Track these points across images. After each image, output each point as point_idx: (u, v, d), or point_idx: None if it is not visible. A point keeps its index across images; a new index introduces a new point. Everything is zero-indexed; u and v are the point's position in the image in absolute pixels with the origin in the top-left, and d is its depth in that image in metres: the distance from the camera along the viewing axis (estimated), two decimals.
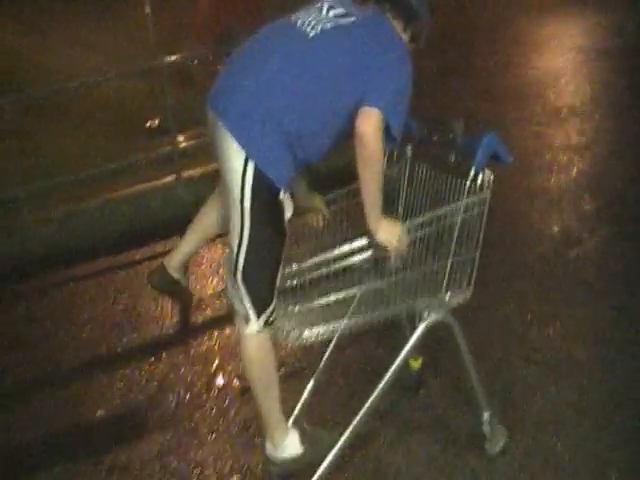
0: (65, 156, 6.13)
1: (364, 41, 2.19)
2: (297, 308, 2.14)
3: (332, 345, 2.52)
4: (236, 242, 2.16)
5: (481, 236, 2.20)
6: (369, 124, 2.07)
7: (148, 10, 13.41)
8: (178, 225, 4.07)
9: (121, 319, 4.01)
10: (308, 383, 2.68)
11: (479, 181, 2.13)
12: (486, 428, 2.45)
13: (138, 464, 2.77)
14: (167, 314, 3.98)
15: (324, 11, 2.24)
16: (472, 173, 2.13)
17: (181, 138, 5.69)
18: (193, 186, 5.06)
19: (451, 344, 2.37)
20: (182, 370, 3.38)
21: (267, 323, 2.21)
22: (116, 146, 5.98)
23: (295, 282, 2.10)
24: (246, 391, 2.93)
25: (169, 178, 5.31)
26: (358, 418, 2.23)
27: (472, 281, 2.24)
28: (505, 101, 7.31)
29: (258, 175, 2.08)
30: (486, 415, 2.43)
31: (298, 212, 2.52)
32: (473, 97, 7.59)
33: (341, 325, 2.15)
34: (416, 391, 2.85)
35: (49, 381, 3.50)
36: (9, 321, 4.20)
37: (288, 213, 2.17)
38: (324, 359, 2.59)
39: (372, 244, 2.16)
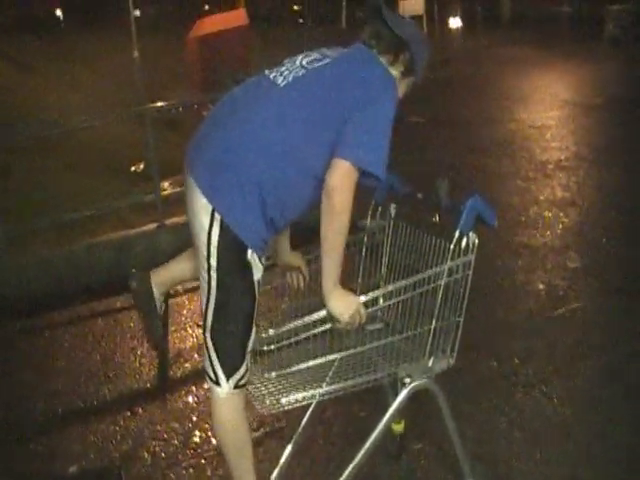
0: (49, 197, 6.12)
1: (335, 79, 2.09)
2: (273, 374, 2.06)
3: (312, 406, 2.43)
4: (204, 301, 2.08)
5: (465, 300, 2.15)
6: (335, 175, 1.97)
7: (136, 54, 13.59)
8: None
9: (98, 369, 3.92)
10: (287, 444, 2.58)
11: (463, 244, 2.09)
12: None
13: None
14: (145, 366, 3.89)
15: (298, 60, 2.18)
16: (457, 236, 2.09)
17: (165, 185, 5.70)
18: (176, 233, 5.03)
19: (434, 407, 2.29)
20: (158, 426, 3.28)
21: (237, 386, 2.11)
22: (100, 189, 5.99)
23: (272, 347, 2.02)
24: None
25: (152, 225, 5.29)
26: None
27: (456, 347, 2.19)
28: (491, 155, 7.41)
29: (224, 232, 2.00)
30: None
31: (277, 271, 2.48)
32: (459, 151, 7.67)
33: (320, 391, 2.08)
34: (398, 457, 2.76)
35: (22, 432, 3.38)
36: None
37: (258, 274, 2.06)
38: (304, 420, 2.50)
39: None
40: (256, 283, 2.07)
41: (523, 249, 4.94)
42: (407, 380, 2.14)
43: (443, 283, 2.10)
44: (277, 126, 2.03)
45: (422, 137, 8.42)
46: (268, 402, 2.04)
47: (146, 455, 3.08)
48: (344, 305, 2.03)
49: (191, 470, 2.92)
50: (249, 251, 2.02)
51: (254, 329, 2.09)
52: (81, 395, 3.66)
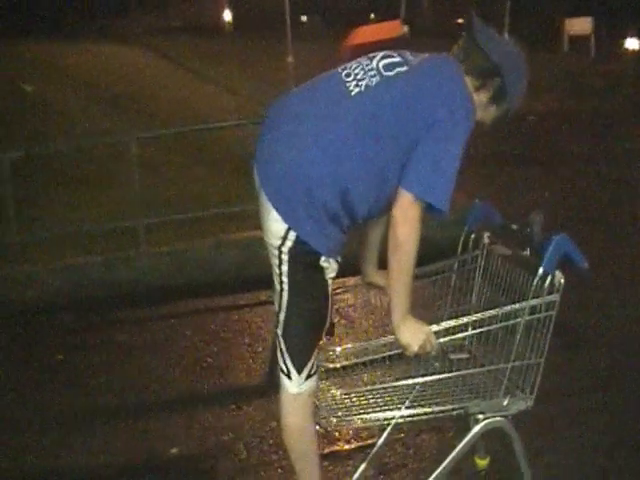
0: (186, 193, 6.52)
1: (412, 92, 2.00)
2: (338, 392, 2.10)
3: (388, 429, 2.44)
4: (277, 301, 2.14)
5: (547, 341, 2.08)
6: (400, 207, 1.96)
7: (290, 59, 14.04)
8: None
9: (212, 361, 4.15)
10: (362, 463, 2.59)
11: (547, 282, 2.02)
12: None
13: None
14: (257, 363, 4.05)
15: (375, 61, 2.09)
16: (539, 274, 2.03)
17: None
18: None
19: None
20: (258, 424, 3.41)
21: (309, 376, 2.13)
22: (233, 189, 6.27)
23: (338, 365, 2.05)
24: None
25: None
26: None
27: (535, 389, 2.11)
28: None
29: (296, 244, 2.03)
30: None
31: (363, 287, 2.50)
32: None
33: (390, 415, 2.09)
34: None
35: (132, 411, 3.68)
36: (110, 346, 4.50)
37: (332, 274, 2.09)
38: (379, 442, 2.50)
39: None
40: (329, 281, 2.10)
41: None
42: (480, 417, 2.10)
43: (523, 321, 2.04)
44: (342, 140, 1.99)
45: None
46: (334, 420, 2.07)
47: (242, 449, 3.22)
48: (412, 335, 2.02)
49: (280, 470, 3.02)
50: (322, 257, 2.06)
51: (327, 323, 2.12)
52: (192, 384, 3.90)
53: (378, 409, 2.12)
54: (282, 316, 2.13)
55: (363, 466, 2.50)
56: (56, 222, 5.85)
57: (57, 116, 8.56)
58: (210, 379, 3.94)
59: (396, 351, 2.12)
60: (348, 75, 2.08)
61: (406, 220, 1.96)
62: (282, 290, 2.11)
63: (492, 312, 2.06)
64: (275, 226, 2.06)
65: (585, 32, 17.83)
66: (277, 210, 2.04)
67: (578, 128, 10.71)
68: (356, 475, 2.50)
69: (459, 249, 2.45)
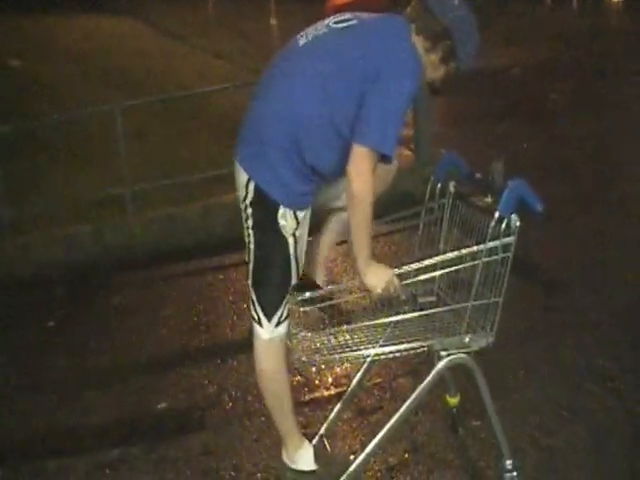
0: (174, 159, 6.58)
1: (354, 44, 2.10)
2: (310, 334, 2.20)
3: (362, 369, 2.56)
4: (246, 254, 2.27)
5: (505, 281, 2.18)
6: (353, 162, 2.06)
7: (273, 21, 13.85)
8: None
9: (199, 320, 4.27)
10: (337, 403, 2.71)
11: (504, 225, 2.11)
12: (507, 477, 2.38)
13: (183, 460, 2.94)
14: (241, 320, 4.17)
15: (327, 20, 2.20)
16: (496, 217, 2.12)
17: None
18: None
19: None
20: (243, 376, 3.53)
21: (279, 323, 2.26)
22: (223, 153, 6.34)
23: (308, 308, 2.15)
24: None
25: None
26: (372, 445, 2.26)
27: (495, 326, 2.22)
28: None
29: (256, 195, 2.17)
30: (508, 463, 2.38)
31: None
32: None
33: (360, 353, 2.19)
34: (455, 430, 2.81)
35: (125, 370, 3.82)
36: (103, 310, 4.65)
37: (295, 229, 2.21)
38: (353, 382, 2.61)
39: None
40: (289, 240, 2.21)
41: None
42: (443, 353, 2.21)
43: (481, 262, 2.14)
44: (296, 88, 2.12)
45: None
46: (305, 358, 2.18)
47: (227, 400, 3.35)
48: (377, 278, 2.12)
49: (263, 418, 3.13)
50: (280, 209, 2.17)
51: (293, 275, 2.24)
52: (181, 342, 4.04)
53: (348, 349, 2.22)
54: (251, 267, 2.27)
55: (338, 406, 2.63)
56: (46, 194, 5.92)
57: (44, 90, 8.54)
58: (197, 337, 4.07)
59: (363, 294, 2.21)
60: (302, 36, 2.21)
61: (359, 174, 2.05)
62: (249, 243, 2.25)
63: (451, 255, 2.15)
64: (239, 179, 2.22)
65: None
66: (240, 162, 2.20)
67: (560, 79, 10.70)
68: (331, 415, 2.63)
69: (426, 197, 2.53)
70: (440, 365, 2.21)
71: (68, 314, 4.62)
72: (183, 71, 10.51)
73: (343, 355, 2.21)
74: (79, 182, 6.13)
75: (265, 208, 2.18)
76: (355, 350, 2.22)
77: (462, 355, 2.22)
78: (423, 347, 2.23)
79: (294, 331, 2.20)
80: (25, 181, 6.00)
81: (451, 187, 2.52)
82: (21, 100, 7.90)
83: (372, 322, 2.25)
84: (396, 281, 2.13)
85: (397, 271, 2.13)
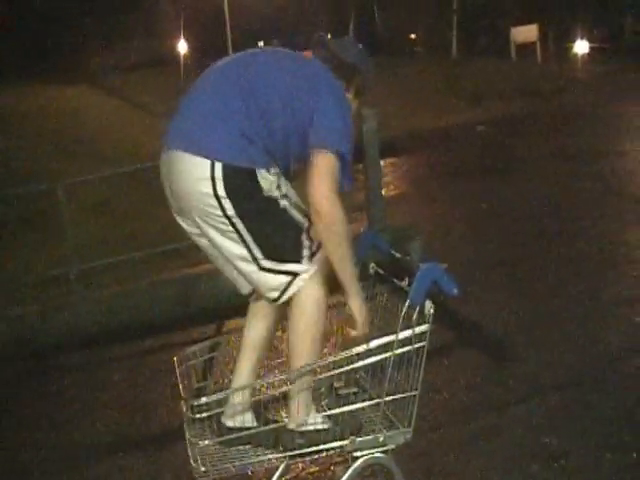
0: (124, 234, 6.46)
1: (301, 66, 2.17)
2: (206, 442, 2.02)
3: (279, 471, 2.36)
4: (238, 247, 2.06)
5: (421, 373, 2.02)
6: (316, 179, 2.01)
7: None
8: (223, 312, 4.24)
9: (136, 406, 4.04)
10: None
11: (416, 313, 1.97)
12: None
13: None
14: (178, 406, 3.94)
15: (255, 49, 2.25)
16: (406, 305, 1.97)
17: None
18: None
19: None
20: (179, 469, 3.26)
21: (312, 256, 2.09)
22: (178, 226, 6.23)
23: (204, 415, 1.97)
24: None
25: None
26: None
27: (412, 422, 2.05)
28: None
29: (228, 172, 2.00)
30: None
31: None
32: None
33: (262, 459, 2.02)
34: None
35: (56, 461, 3.58)
36: (40, 395, 4.41)
37: (275, 187, 2.06)
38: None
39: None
40: (279, 201, 2.07)
41: None
42: (357, 454, 2.04)
43: (393, 354, 1.98)
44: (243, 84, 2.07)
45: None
46: (204, 468, 1.99)
47: None
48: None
49: None
50: (257, 174, 2.02)
51: (303, 219, 2.10)
52: (117, 430, 3.81)
53: (254, 455, 2.04)
54: (255, 249, 2.06)
55: None
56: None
57: (6, 163, 8.49)
58: (134, 424, 3.85)
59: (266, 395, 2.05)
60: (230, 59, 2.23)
61: (322, 193, 1.99)
62: (239, 231, 2.04)
63: (360, 348, 2.00)
64: (197, 172, 2.01)
65: (531, 39, 18.34)
66: (195, 151, 2.01)
67: (525, 132, 10.83)
68: None
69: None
70: (353, 468, 2.03)
71: (11, 398, 4.42)
72: (144, 140, 10.53)
73: (249, 462, 2.03)
74: (27, 260, 5.98)
75: (242, 180, 2.01)
76: (260, 455, 2.04)
77: (379, 455, 2.05)
78: (335, 449, 2.05)
79: (193, 440, 2.01)
80: None
81: (370, 268, 2.40)
82: None
83: (279, 424, 2.08)
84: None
85: (319, 363, 2.00)
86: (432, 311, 1.99)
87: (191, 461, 1.99)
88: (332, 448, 2.05)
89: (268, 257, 2.07)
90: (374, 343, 2.01)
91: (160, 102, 14.17)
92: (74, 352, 5.00)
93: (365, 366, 2.08)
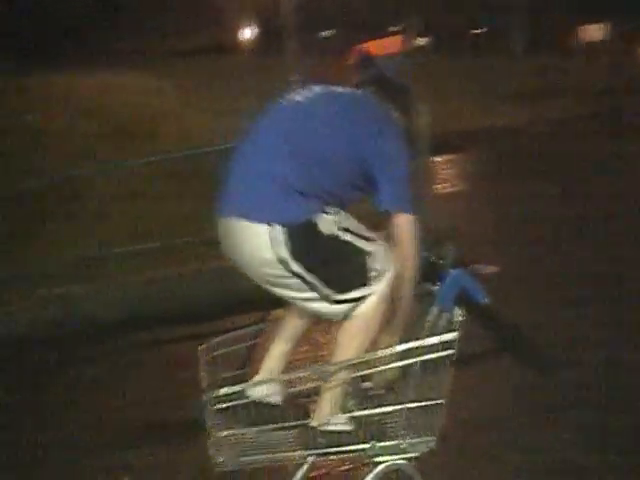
0: (166, 221, 6.50)
1: (349, 111, 2.18)
2: (224, 433, 2.02)
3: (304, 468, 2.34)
4: (304, 295, 2.09)
5: (447, 382, 1.97)
6: (406, 252, 2.12)
7: (294, 77, 13.70)
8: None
9: (169, 393, 4.03)
10: None
11: (442, 320, 1.93)
12: None
13: None
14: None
15: (299, 92, 2.25)
16: (434, 312, 1.93)
17: None
18: None
19: None
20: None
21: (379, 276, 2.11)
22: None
23: (224, 405, 1.97)
24: None
25: None
26: None
27: (436, 430, 2.01)
28: None
29: (288, 232, 2.02)
30: None
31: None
32: None
33: (278, 456, 2.01)
34: None
35: (89, 444, 3.65)
36: (73, 378, 4.49)
37: (344, 222, 2.10)
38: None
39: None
40: (338, 229, 2.09)
41: None
42: (378, 459, 2.01)
43: (418, 360, 1.94)
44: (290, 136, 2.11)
45: None
46: (224, 459, 1.99)
47: None
48: None
49: None
50: (317, 221, 2.05)
51: (366, 244, 2.11)
52: (149, 417, 3.85)
53: (275, 450, 2.03)
54: (326, 291, 2.07)
55: None
56: (32, 257, 5.88)
57: (57, 147, 8.66)
58: (166, 412, 3.87)
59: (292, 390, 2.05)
60: (287, 96, 2.25)
61: (408, 246, 2.12)
62: (307, 282, 2.06)
63: (387, 351, 1.97)
64: (257, 240, 2.03)
65: (599, 38, 17.79)
66: (251, 218, 2.03)
67: (589, 133, 10.50)
68: None
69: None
70: (374, 473, 2.01)
71: (40, 382, 4.51)
72: (197, 126, 10.59)
73: (269, 456, 2.02)
74: (70, 242, 6.09)
75: (303, 235, 2.03)
76: (283, 451, 2.03)
77: (400, 462, 2.01)
78: (356, 451, 2.02)
79: (212, 431, 2.01)
80: (12, 243, 5.98)
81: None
82: (32, 156, 7.99)
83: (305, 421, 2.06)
84: None
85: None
86: (461, 318, 1.95)
87: (210, 451, 2.00)
88: (352, 451, 2.03)
89: (339, 292, 2.08)
90: (400, 347, 1.98)
91: (218, 88, 14.26)
92: (108, 335, 5.04)
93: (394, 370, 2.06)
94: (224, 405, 1.97)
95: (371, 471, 2.02)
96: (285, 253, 2.00)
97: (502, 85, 14.81)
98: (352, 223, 2.13)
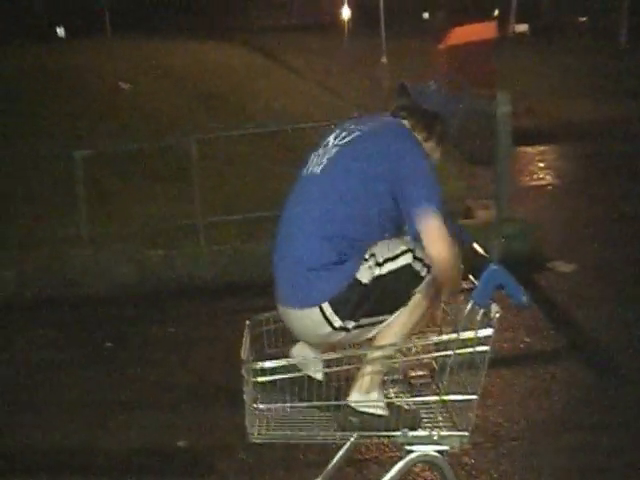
0: (253, 192, 6.66)
1: (370, 150, 2.17)
2: (262, 406, 2.06)
3: (344, 448, 2.38)
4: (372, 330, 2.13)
5: (482, 378, 1.96)
6: (438, 256, 2.06)
7: (384, 60, 13.85)
8: None
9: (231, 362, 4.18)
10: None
11: (479, 316, 1.92)
12: None
13: None
14: None
15: (330, 141, 2.25)
16: (469, 307, 1.92)
17: None
18: None
19: None
20: None
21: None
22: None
23: (265, 379, 2.01)
24: None
25: None
26: None
27: (469, 426, 2.00)
28: None
29: (336, 302, 2.08)
30: None
31: None
32: None
33: (310, 434, 2.06)
34: None
35: (156, 400, 3.86)
36: (157, 339, 4.70)
37: (379, 257, 2.10)
38: (335, 458, 2.43)
39: None
40: (376, 268, 2.10)
41: None
42: (408, 448, 2.02)
43: (453, 354, 1.95)
44: (324, 209, 2.14)
45: None
46: (256, 432, 2.06)
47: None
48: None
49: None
50: (358, 276, 2.09)
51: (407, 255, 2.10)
52: (219, 382, 3.97)
53: (312, 427, 2.08)
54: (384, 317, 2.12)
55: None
56: (125, 217, 6.17)
57: (151, 114, 8.98)
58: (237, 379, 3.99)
59: (331, 369, 2.08)
60: (310, 165, 2.26)
61: (437, 248, 2.06)
62: (363, 327, 2.12)
63: (424, 341, 1.99)
64: (312, 322, 2.12)
65: None
66: (304, 305, 2.12)
67: None
68: None
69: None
70: (405, 461, 2.03)
71: (124, 337, 4.78)
72: (288, 101, 10.72)
73: (303, 433, 2.07)
74: (157, 207, 6.34)
75: (350, 301, 2.08)
76: (317, 430, 2.08)
77: (432, 453, 2.02)
78: (388, 437, 2.05)
79: (250, 403, 2.08)
80: (105, 202, 6.28)
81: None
82: (123, 122, 8.30)
83: (340, 402, 2.09)
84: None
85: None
86: (498, 315, 1.93)
87: (246, 423, 2.07)
88: (384, 436, 2.06)
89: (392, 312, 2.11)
90: (435, 339, 2.00)
91: (311, 66, 14.34)
92: (192, 300, 5.28)
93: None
94: (264, 379, 2.02)
95: (402, 459, 2.05)
96: (337, 322, 2.08)
97: (605, 75, 14.16)
98: (381, 250, 2.12)
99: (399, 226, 2.17)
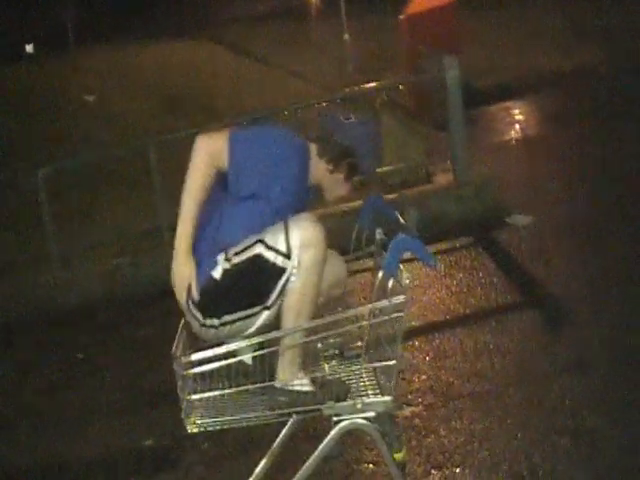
0: None
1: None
2: (194, 397, 2.11)
3: (285, 428, 2.43)
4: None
5: (399, 344, 2.02)
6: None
7: (347, 37, 13.78)
8: None
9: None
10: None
11: (390, 284, 1.97)
12: None
13: None
14: None
15: None
16: (379, 277, 1.97)
17: None
18: None
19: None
20: None
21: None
22: None
23: (192, 371, 2.07)
24: None
25: None
26: None
27: (392, 391, 2.06)
28: None
29: (198, 303, 2.22)
30: None
31: None
32: None
33: (241, 417, 2.11)
34: None
35: (130, 402, 3.93)
36: (128, 344, 4.76)
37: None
38: (278, 438, 2.49)
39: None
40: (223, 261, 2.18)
41: None
42: (335, 419, 2.09)
43: (368, 323, 2.00)
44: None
45: None
46: (192, 421, 2.12)
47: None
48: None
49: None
50: (211, 273, 2.18)
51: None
52: None
53: (242, 410, 2.13)
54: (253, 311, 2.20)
55: (263, 461, 2.50)
56: (92, 229, 6.22)
57: (114, 123, 9.00)
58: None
59: (256, 353, 2.14)
60: None
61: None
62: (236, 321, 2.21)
63: (334, 317, 2.04)
64: (189, 317, 2.29)
65: None
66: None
67: None
68: (257, 469, 2.50)
69: (352, 245, 2.41)
70: (332, 433, 2.09)
71: (95, 346, 4.86)
72: (256, 93, 10.71)
73: (238, 417, 2.13)
74: (121, 215, 6.38)
75: (207, 301, 2.21)
76: (251, 411, 2.13)
77: (360, 421, 2.08)
78: (312, 411, 2.11)
79: (183, 396, 2.13)
80: (68, 216, 6.31)
81: (377, 234, 2.38)
82: (91, 134, 8.32)
83: (257, 386, 2.15)
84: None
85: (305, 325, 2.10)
86: (407, 282, 1.98)
87: (182, 414, 2.13)
88: (312, 410, 2.11)
89: (266, 300, 2.18)
90: (351, 312, 2.05)
91: (277, 53, 14.30)
92: (160, 303, 5.30)
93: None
94: (195, 370, 2.08)
95: (331, 430, 2.11)
96: (202, 320, 2.23)
97: (566, 25, 14.07)
98: (235, 245, 2.19)
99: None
